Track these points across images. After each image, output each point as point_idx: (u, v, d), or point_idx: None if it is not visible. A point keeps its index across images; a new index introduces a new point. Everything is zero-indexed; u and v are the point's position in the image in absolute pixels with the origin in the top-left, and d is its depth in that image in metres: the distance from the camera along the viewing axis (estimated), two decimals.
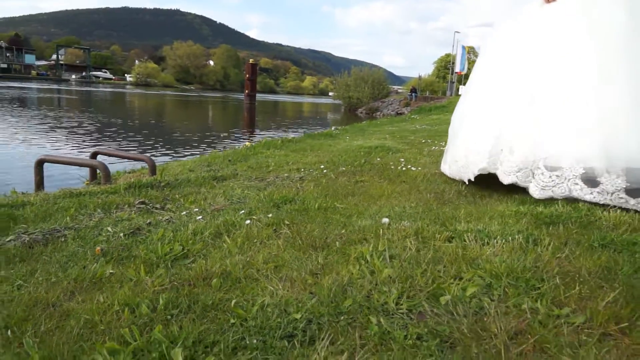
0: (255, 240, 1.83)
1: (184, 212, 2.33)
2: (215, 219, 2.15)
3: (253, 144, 6.36)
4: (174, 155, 9.21)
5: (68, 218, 2.28)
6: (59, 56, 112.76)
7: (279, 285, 1.39)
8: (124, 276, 1.48)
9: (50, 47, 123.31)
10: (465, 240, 1.71)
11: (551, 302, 1.22)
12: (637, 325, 1.11)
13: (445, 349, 1.05)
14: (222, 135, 14.41)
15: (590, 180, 2.18)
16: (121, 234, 1.93)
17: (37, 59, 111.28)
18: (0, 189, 3.91)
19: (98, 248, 1.74)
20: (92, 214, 2.37)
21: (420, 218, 2.10)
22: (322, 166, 3.99)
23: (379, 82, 38.38)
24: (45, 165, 3.93)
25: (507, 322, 1.12)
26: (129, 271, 1.51)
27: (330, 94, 58.41)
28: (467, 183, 2.76)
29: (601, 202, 2.15)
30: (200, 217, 2.20)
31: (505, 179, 2.45)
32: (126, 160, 4.03)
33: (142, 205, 2.51)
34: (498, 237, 1.71)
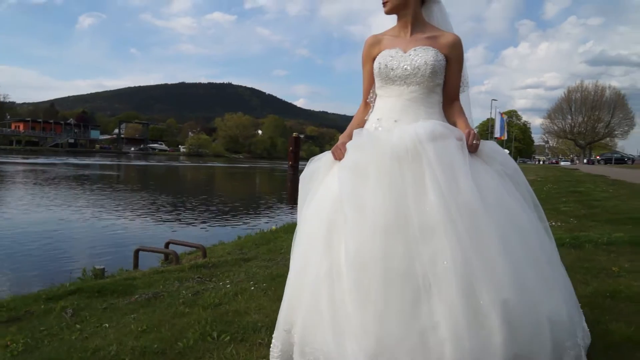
0: (252, 297, 3.80)
1: (221, 283, 4.34)
2: (236, 286, 4.14)
3: (277, 226, 8.45)
4: (221, 228, 11.56)
5: (161, 286, 4.34)
6: (120, 130, 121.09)
7: (249, 315, 3.34)
8: (187, 313, 3.49)
9: (113, 122, 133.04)
10: None
11: None
12: None
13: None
14: (267, 208, 17.38)
15: None
16: (189, 294, 3.96)
17: (101, 133, 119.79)
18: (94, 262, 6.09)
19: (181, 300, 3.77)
20: (173, 283, 4.42)
21: None
22: None
23: None
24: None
25: None
26: (188, 310, 3.51)
27: None
28: None
29: None
30: (228, 285, 4.21)
31: None
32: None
33: (199, 279, 4.55)
34: None
